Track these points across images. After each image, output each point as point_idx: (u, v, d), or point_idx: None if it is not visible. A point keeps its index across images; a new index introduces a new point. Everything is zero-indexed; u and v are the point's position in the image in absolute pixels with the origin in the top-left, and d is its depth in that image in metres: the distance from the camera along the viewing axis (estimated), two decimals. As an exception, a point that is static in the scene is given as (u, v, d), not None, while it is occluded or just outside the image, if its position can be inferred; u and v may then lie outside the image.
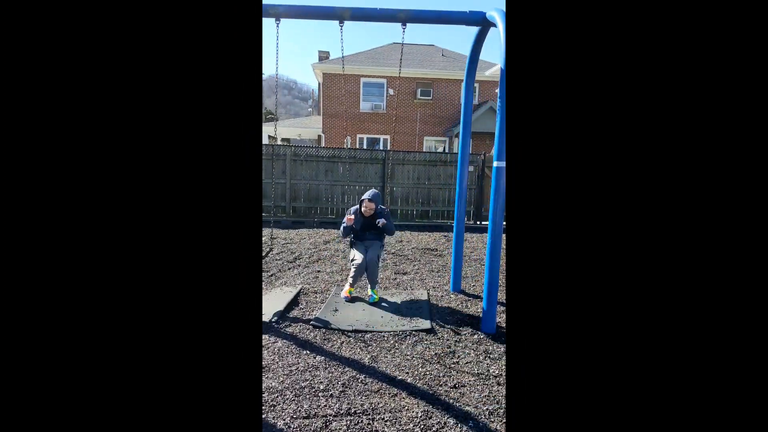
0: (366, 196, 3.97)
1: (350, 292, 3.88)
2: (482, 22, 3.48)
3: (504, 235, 5.14)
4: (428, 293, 4.15)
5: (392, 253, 5.86)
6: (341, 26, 3.51)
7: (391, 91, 17.23)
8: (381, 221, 3.90)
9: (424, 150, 16.76)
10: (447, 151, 17.10)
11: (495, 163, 3.11)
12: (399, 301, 3.91)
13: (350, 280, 3.88)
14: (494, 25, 3.44)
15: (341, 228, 3.98)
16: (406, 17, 3.46)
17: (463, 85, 4.11)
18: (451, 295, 4.15)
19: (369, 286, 3.92)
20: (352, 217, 3.90)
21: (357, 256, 3.89)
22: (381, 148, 16.53)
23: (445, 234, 7.70)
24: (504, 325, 3.48)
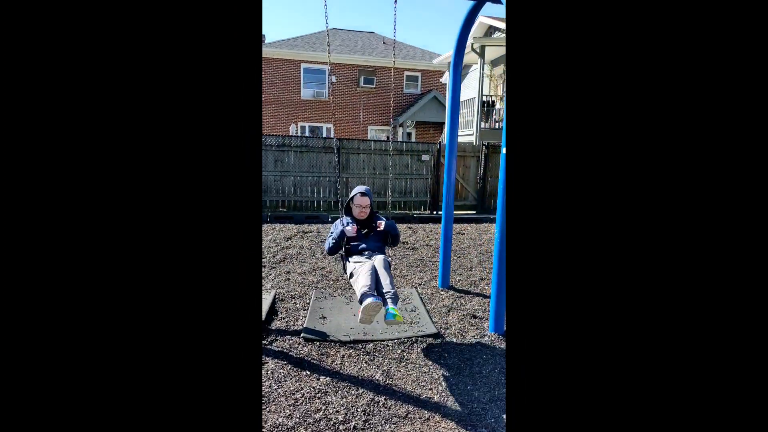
0: (358, 190, 2.94)
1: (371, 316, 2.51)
2: (479, -3, 3.20)
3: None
4: (417, 291, 3.86)
5: (362, 249, 5.49)
6: (324, -8, 3.04)
7: (333, 78, 16.61)
8: (381, 222, 2.90)
9: (369, 138, 16.45)
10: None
11: (505, 150, 2.86)
12: (389, 303, 3.57)
13: (360, 294, 2.53)
14: (495, 0, 3.18)
15: (328, 243, 2.89)
16: (398, -14, 3.07)
17: (450, 67, 3.82)
18: (442, 292, 3.89)
19: (385, 299, 2.57)
20: (353, 227, 2.84)
21: (357, 265, 2.75)
22: (324, 136, 15.96)
23: (409, 225, 7.47)
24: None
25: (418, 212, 8.99)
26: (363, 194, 2.94)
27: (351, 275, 2.76)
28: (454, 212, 9.13)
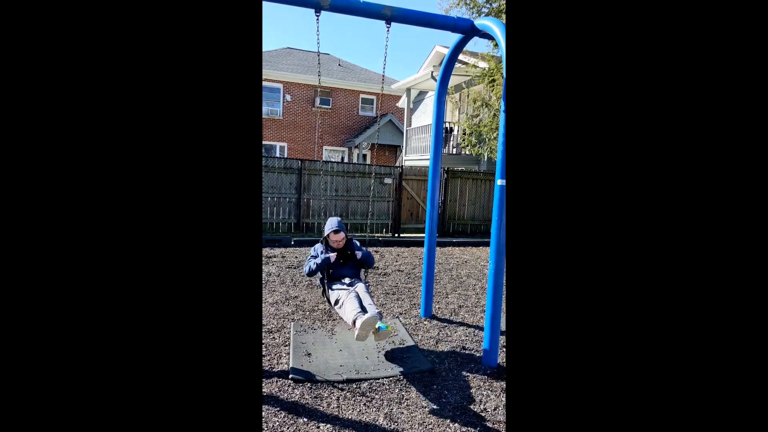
0: (331, 226, 3.32)
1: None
2: (469, 31, 3.26)
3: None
4: (401, 321, 3.75)
5: (333, 275, 5.30)
6: (317, 16, 2.96)
7: (288, 97, 16.39)
8: (360, 253, 3.37)
9: (329, 160, 16.29)
10: (347, 161, 16.87)
11: (499, 182, 2.89)
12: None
13: (352, 316, 2.88)
14: (485, 35, 3.25)
15: (309, 267, 3.28)
16: (392, 15, 3.06)
17: (435, 92, 3.85)
18: (426, 322, 3.81)
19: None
20: (334, 255, 3.30)
21: (341, 293, 3.14)
22: (277, 155, 15.58)
23: (376, 249, 7.36)
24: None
25: (380, 235, 8.93)
26: (336, 231, 3.31)
27: (336, 302, 3.17)
28: (414, 235, 9.16)
